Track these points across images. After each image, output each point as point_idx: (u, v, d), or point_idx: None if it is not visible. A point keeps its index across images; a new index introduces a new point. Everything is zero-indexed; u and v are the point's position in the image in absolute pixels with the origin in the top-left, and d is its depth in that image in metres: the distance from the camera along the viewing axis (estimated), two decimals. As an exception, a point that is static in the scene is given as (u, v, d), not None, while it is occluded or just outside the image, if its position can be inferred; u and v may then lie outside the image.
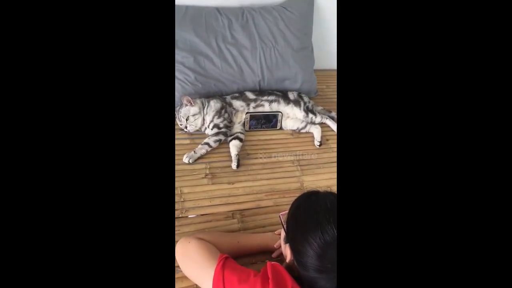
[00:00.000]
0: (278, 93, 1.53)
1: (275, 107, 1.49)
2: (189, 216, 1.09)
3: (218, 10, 1.49)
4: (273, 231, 1.03)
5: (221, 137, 1.35)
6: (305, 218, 0.78)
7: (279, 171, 1.32)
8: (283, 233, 0.86)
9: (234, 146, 1.34)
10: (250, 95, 1.49)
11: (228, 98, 1.47)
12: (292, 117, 1.51)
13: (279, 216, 0.90)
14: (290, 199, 1.28)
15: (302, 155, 1.41)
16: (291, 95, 1.54)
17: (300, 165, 1.36)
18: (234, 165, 1.28)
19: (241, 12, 1.51)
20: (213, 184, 1.21)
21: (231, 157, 1.31)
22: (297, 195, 1.28)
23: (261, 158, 1.36)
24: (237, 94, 1.49)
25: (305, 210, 0.80)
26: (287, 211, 0.87)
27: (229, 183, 1.23)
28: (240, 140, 1.38)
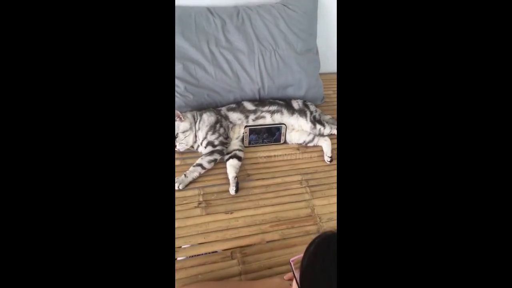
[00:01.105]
0: (280, 102, 1.34)
1: (277, 118, 1.30)
2: (178, 259, 0.90)
3: (210, 10, 1.31)
4: (281, 274, 0.84)
5: (217, 156, 1.16)
6: (324, 272, 0.59)
7: (285, 195, 1.13)
8: (295, 286, 0.67)
9: (231, 167, 1.15)
10: (249, 106, 1.30)
11: (223, 110, 1.28)
12: (297, 129, 1.32)
13: (290, 263, 0.71)
14: (300, 229, 1.10)
15: (311, 173, 1.22)
16: (296, 104, 1.35)
17: (309, 186, 1.17)
18: (232, 189, 1.09)
19: (236, 11, 1.33)
20: (207, 214, 1.02)
21: (229, 179, 1.12)
22: (308, 224, 1.11)
23: (263, 179, 1.17)
24: (234, 105, 1.30)
25: (324, 261, 0.61)
26: (299, 256, 0.68)
27: (226, 213, 1.04)
28: (239, 158, 1.19)
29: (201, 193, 1.08)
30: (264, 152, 1.27)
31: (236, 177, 1.12)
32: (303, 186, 1.17)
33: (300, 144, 1.32)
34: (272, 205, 1.09)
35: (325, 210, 1.09)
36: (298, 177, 1.20)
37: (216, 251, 0.94)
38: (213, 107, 1.30)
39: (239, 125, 1.26)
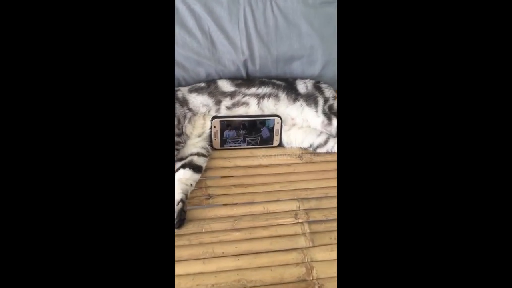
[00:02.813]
0: (278, 82, 0.87)
1: (269, 106, 0.83)
2: None
3: None
4: None
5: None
6: None
7: (264, 236, 0.66)
8: None
9: (180, 183, 0.70)
10: (225, 86, 0.84)
11: (182, 90, 0.83)
12: (300, 125, 0.84)
13: None
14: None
15: (316, 199, 0.73)
16: (302, 86, 0.87)
17: (309, 222, 0.69)
18: (171, 223, 0.65)
19: None
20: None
21: (170, 205, 0.68)
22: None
23: (234, 204, 0.72)
24: (202, 85, 0.85)
25: None
26: None
27: (150, 267, 0.60)
28: (196, 169, 0.74)
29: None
30: (242, 159, 0.81)
31: (183, 201, 0.67)
32: (299, 221, 0.69)
33: (305, 149, 0.84)
34: (238, 255, 0.62)
35: (333, 271, 0.61)
36: (293, 205, 0.72)
37: None
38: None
39: (204, 114, 0.81)
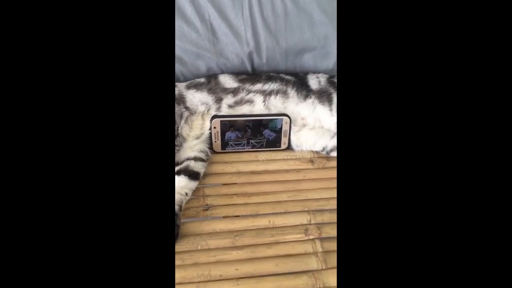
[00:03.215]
0: (287, 77, 0.78)
1: (277, 104, 0.74)
2: None
3: None
4: None
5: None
6: None
7: (270, 256, 0.57)
8: None
9: (176, 193, 0.62)
10: (227, 81, 0.76)
11: (179, 87, 0.75)
12: (312, 125, 0.75)
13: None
14: None
15: (330, 211, 0.64)
16: (314, 81, 0.78)
17: (322, 239, 0.59)
18: (161, 239, 0.57)
19: None
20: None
21: (162, 217, 0.60)
22: None
23: (236, 217, 0.63)
24: (202, 80, 0.77)
25: None
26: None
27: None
28: (193, 176, 0.65)
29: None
30: (246, 164, 0.72)
31: (176, 213, 0.59)
32: (310, 237, 0.60)
33: (317, 152, 0.75)
34: (238, 278, 0.53)
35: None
36: (303, 218, 0.63)
37: None
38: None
39: (203, 114, 0.72)
